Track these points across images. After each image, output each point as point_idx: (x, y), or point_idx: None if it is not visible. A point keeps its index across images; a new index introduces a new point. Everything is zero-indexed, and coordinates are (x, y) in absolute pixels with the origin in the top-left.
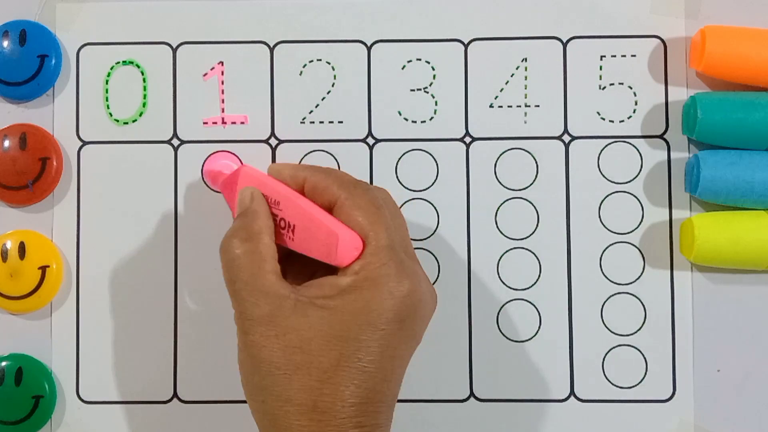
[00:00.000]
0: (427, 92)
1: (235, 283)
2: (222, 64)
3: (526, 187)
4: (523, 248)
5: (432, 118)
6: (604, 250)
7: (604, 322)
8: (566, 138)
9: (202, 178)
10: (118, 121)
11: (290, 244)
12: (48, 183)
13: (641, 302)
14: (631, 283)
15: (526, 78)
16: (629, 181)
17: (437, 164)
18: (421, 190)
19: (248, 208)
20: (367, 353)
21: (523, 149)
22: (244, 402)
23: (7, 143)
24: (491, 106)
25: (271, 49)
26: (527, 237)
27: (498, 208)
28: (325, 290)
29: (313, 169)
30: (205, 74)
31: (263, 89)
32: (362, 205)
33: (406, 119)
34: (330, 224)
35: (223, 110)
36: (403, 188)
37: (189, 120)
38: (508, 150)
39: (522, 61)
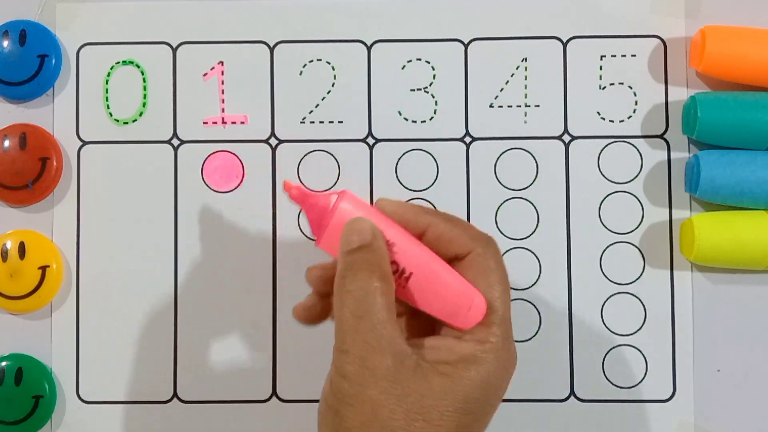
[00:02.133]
0: (427, 92)
1: (362, 321)
2: (222, 64)
3: (526, 187)
4: (523, 248)
5: (432, 118)
6: (604, 250)
7: (604, 322)
8: (566, 138)
9: (202, 179)
10: (118, 121)
11: (400, 293)
12: (48, 183)
13: (641, 302)
14: (631, 283)
15: (526, 78)
16: (629, 181)
17: (437, 164)
18: (421, 190)
19: (373, 244)
20: (479, 425)
21: (523, 149)
22: (245, 402)
23: (7, 143)
24: (491, 106)
25: (271, 49)
26: (527, 237)
27: (498, 208)
28: (443, 355)
29: (438, 215)
30: (205, 74)
31: (263, 89)
32: (494, 268)
33: (406, 119)
34: (459, 284)
35: (223, 110)
36: (403, 188)
37: (189, 120)
38: (508, 150)
39: (522, 61)
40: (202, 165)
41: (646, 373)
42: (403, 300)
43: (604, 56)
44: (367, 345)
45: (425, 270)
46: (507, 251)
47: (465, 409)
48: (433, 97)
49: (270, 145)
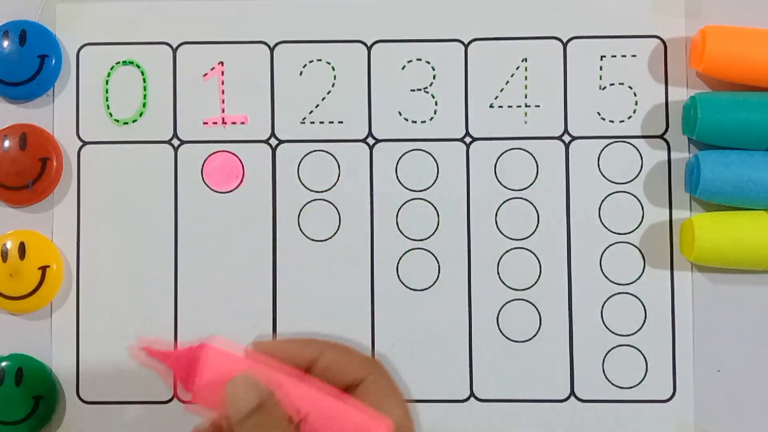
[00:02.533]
0: (427, 92)
1: None
2: (222, 64)
3: (526, 187)
4: (523, 248)
5: (432, 118)
6: (604, 250)
7: (604, 322)
8: (566, 138)
9: (202, 179)
10: (118, 121)
11: None
12: (48, 183)
13: (641, 302)
14: (631, 283)
15: (526, 78)
16: (629, 181)
17: (437, 164)
18: (421, 190)
19: (265, 405)
20: None
21: (523, 149)
22: None
23: (7, 143)
24: (491, 106)
25: (271, 49)
26: (527, 237)
27: (498, 208)
28: None
29: (324, 345)
30: (205, 74)
31: (263, 89)
32: (390, 392)
33: (406, 119)
34: (359, 414)
35: (223, 110)
36: (403, 188)
37: (189, 120)
38: (508, 150)
39: (522, 61)
40: (202, 165)
41: (646, 373)
42: None
43: (604, 56)
44: None
45: (321, 408)
46: (507, 251)
47: None
48: (433, 97)
49: (270, 145)
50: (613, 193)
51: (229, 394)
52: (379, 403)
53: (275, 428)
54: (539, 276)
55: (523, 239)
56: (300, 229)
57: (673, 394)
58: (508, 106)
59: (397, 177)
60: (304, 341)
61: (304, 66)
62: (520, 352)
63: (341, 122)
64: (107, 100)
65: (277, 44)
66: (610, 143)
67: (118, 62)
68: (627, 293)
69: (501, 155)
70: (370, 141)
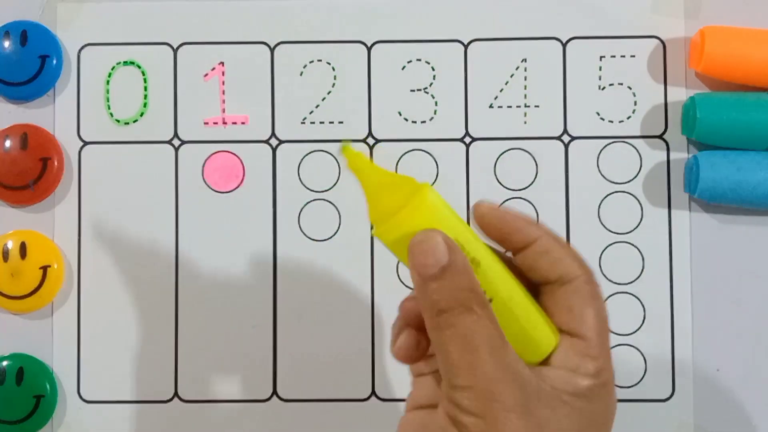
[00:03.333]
0: (427, 92)
1: (476, 355)
2: (222, 65)
3: (526, 187)
4: None
5: (432, 118)
6: (604, 250)
7: None
8: (566, 138)
9: (203, 179)
10: (118, 121)
11: None
12: (49, 183)
13: (641, 302)
14: (630, 282)
15: (525, 78)
16: (629, 181)
17: (437, 164)
18: None
19: (455, 264)
20: None
21: (523, 149)
22: (245, 402)
23: (8, 143)
24: (491, 106)
25: (272, 50)
26: None
27: None
28: (563, 384)
29: (546, 230)
30: (205, 74)
31: (264, 89)
32: (598, 297)
33: (406, 119)
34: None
35: (223, 110)
36: None
37: (190, 120)
38: (508, 150)
39: (522, 61)
40: (203, 165)
41: (645, 373)
42: None
43: (604, 57)
44: (488, 377)
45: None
46: (507, 251)
47: None
48: (433, 97)
49: (270, 145)
50: (613, 193)
51: (414, 249)
52: (585, 304)
53: (472, 294)
54: None
55: None
56: (300, 229)
57: (673, 394)
58: (508, 107)
59: None
60: (530, 220)
61: (305, 66)
62: None
63: (341, 122)
64: (108, 100)
65: (277, 44)
66: (610, 143)
67: (119, 62)
68: (626, 293)
69: (501, 155)
70: (370, 141)
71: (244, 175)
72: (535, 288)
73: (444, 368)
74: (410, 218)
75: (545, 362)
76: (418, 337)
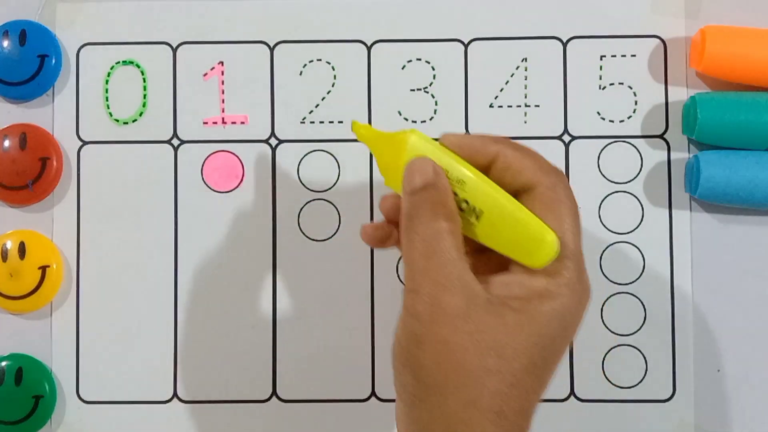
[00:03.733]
0: (427, 92)
1: (430, 260)
2: (222, 64)
3: None
4: None
5: (432, 118)
6: (604, 250)
7: (604, 322)
8: (566, 138)
9: (202, 179)
10: (118, 121)
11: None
12: (48, 183)
13: (641, 302)
14: (631, 283)
15: (526, 78)
16: (629, 181)
17: None
18: None
19: (436, 183)
20: (553, 361)
21: None
22: (245, 402)
23: (7, 143)
24: (491, 106)
25: (271, 49)
26: None
27: None
28: (516, 290)
29: (506, 143)
30: (205, 74)
31: (263, 89)
32: (564, 200)
33: (406, 119)
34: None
35: (223, 110)
36: None
37: (189, 120)
38: None
39: (522, 61)
40: (202, 165)
41: (645, 373)
42: (473, 239)
43: (604, 56)
44: (438, 284)
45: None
46: None
47: (539, 344)
48: (433, 97)
49: (270, 145)
50: (613, 192)
51: (406, 170)
52: (549, 209)
53: (442, 208)
54: None
55: None
56: (300, 229)
57: (673, 394)
58: (508, 106)
59: None
60: (489, 138)
61: (304, 66)
62: None
63: (341, 122)
64: (107, 99)
65: (277, 44)
66: (610, 143)
67: (118, 62)
68: (627, 293)
69: None
70: None
71: (243, 174)
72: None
73: (405, 273)
74: (402, 160)
75: (504, 269)
76: (385, 225)
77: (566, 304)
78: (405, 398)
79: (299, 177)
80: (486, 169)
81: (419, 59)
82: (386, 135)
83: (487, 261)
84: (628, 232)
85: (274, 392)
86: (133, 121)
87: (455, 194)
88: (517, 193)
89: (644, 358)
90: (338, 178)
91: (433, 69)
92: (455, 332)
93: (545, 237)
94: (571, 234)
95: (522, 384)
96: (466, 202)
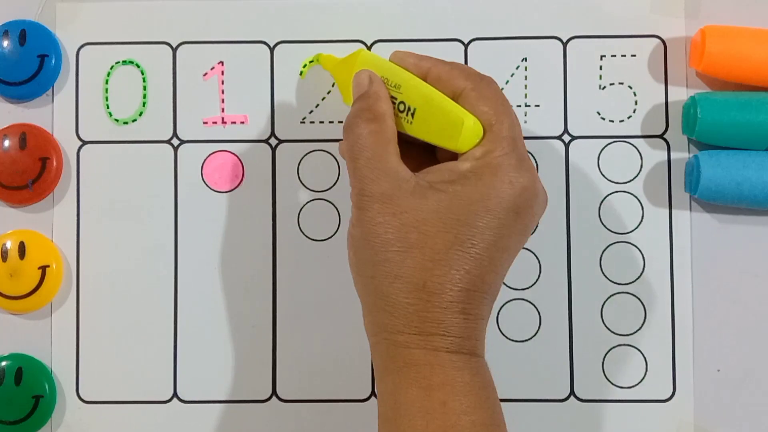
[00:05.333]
0: None
1: (357, 160)
2: (222, 64)
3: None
4: (522, 248)
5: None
6: (604, 250)
7: (604, 322)
8: (566, 138)
9: (202, 179)
10: (117, 120)
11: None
12: (48, 183)
13: (641, 302)
14: (631, 283)
15: (526, 78)
16: (629, 181)
17: None
18: None
19: (369, 90)
20: (481, 239)
21: None
22: (245, 402)
23: (6, 143)
24: None
25: (271, 49)
26: None
27: None
28: (444, 175)
29: (437, 60)
30: (205, 74)
31: (263, 89)
32: (488, 96)
33: None
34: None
35: (223, 110)
36: None
37: (189, 120)
38: None
39: (522, 60)
40: (202, 165)
41: (646, 373)
42: (414, 136)
43: (604, 56)
44: (365, 178)
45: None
46: None
47: (462, 220)
48: None
49: (270, 145)
50: (613, 192)
51: (355, 81)
52: (473, 106)
53: (366, 112)
54: (539, 276)
55: None
56: (300, 229)
57: (673, 394)
58: None
59: None
60: (422, 56)
61: (304, 66)
62: (520, 352)
63: (341, 122)
64: (107, 99)
65: (277, 44)
66: (610, 143)
67: (118, 62)
68: (627, 293)
69: None
70: None
71: (243, 174)
72: None
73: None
74: (353, 73)
75: (434, 160)
76: None
77: (488, 183)
78: (352, 270)
79: (299, 177)
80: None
81: None
82: (344, 58)
83: (430, 159)
84: (628, 232)
85: (274, 392)
86: (133, 120)
87: (394, 98)
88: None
89: (644, 358)
90: (338, 178)
91: None
92: (380, 214)
93: (464, 121)
94: (496, 122)
95: (446, 260)
96: (403, 103)
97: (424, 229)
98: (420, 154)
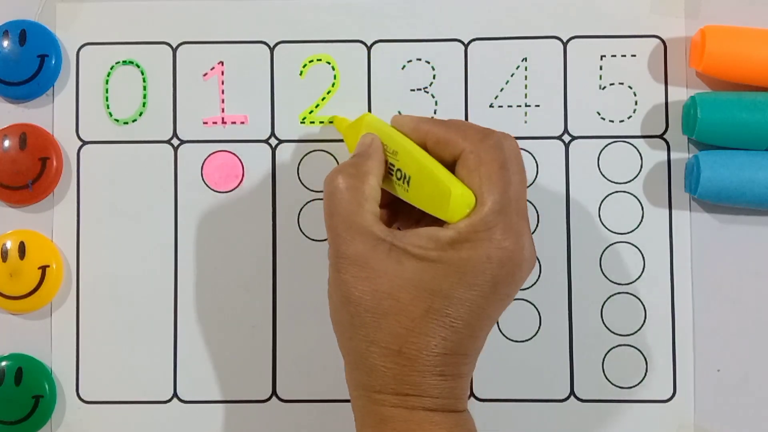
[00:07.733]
0: (427, 92)
1: (333, 217)
2: (222, 64)
3: (527, 187)
4: None
5: (432, 117)
6: (604, 250)
7: (604, 322)
8: (566, 138)
9: (202, 179)
10: (118, 120)
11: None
12: (48, 183)
13: (641, 302)
14: (631, 283)
15: (526, 78)
16: (629, 181)
17: None
18: None
19: (364, 151)
20: (456, 310)
21: (523, 149)
22: (245, 402)
23: (7, 143)
24: (491, 106)
25: (271, 49)
26: None
27: None
28: (423, 241)
29: (435, 122)
30: (205, 74)
31: (263, 89)
32: (487, 161)
33: None
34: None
35: (223, 110)
36: None
37: (189, 120)
38: None
39: (522, 61)
40: (202, 165)
41: (646, 373)
42: (411, 204)
43: (604, 56)
44: (339, 237)
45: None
46: None
47: (436, 291)
48: (433, 97)
49: (270, 145)
50: (613, 192)
51: (359, 142)
52: (471, 172)
53: (347, 169)
54: (539, 276)
55: None
56: (300, 228)
57: (673, 394)
58: (508, 106)
59: None
60: (420, 119)
61: (304, 66)
62: (520, 352)
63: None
64: (107, 99)
65: (277, 44)
66: (610, 143)
67: (118, 62)
68: (627, 293)
69: None
70: None
71: (243, 174)
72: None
73: None
74: (359, 135)
75: (437, 220)
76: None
77: (466, 256)
78: (333, 324)
79: (299, 177)
80: (424, 147)
81: (419, 59)
82: (352, 122)
83: (423, 222)
84: (628, 232)
85: (273, 392)
86: (133, 121)
87: (392, 165)
88: (454, 164)
89: (644, 358)
90: None
91: (433, 69)
92: (355, 278)
93: (452, 191)
94: (488, 194)
95: (421, 327)
96: (400, 170)
97: (399, 296)
98: (416, 220)
